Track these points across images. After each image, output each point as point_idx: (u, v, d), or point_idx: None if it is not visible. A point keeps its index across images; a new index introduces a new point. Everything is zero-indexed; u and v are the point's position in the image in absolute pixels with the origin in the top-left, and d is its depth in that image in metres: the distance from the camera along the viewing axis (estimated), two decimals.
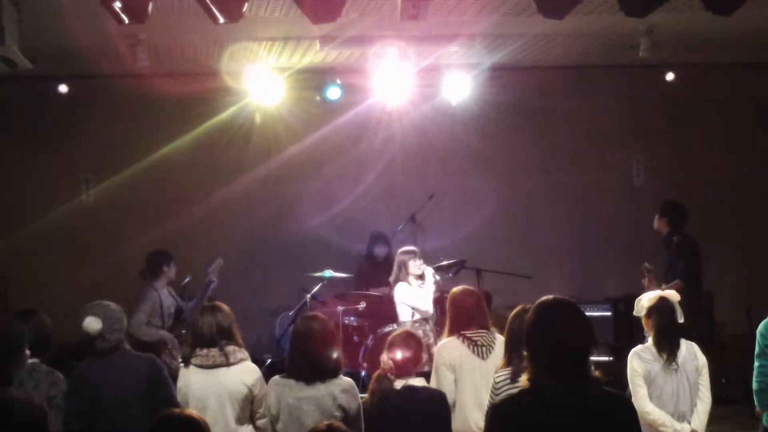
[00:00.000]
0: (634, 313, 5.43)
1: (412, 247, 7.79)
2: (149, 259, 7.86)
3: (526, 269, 9.02)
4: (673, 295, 5.32)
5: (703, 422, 5.19)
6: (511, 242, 10.24)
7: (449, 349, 5.62)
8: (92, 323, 4.79)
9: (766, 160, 10.32)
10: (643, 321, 5.32)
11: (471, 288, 5.89)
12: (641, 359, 5.18)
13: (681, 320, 5.26)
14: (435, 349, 5.89)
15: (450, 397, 5.42)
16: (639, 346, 5.29)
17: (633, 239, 9.60)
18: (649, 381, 5.14)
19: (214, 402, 4.80)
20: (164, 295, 7.73)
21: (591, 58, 9.61)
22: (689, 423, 5.13)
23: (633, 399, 5.17)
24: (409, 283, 7.58)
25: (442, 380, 5.56)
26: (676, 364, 5.14)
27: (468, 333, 5.58)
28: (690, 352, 5.23)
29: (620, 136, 10.46)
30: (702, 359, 5.25)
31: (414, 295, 7.56)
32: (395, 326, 7.65)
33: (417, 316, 7.58)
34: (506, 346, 4.91)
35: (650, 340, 5.26)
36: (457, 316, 5.69)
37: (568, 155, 10.46)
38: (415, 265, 7.59)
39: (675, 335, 5.20)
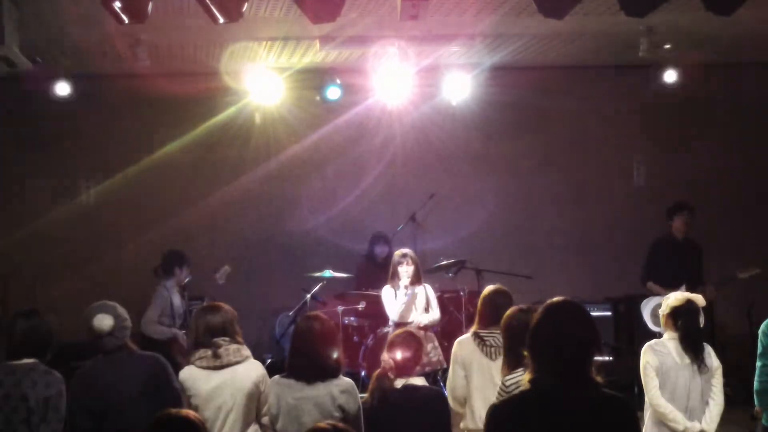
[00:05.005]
0: (659, 311, 5.46)
1: (404, 250, 7.75)
2: (165, 258, 7.84)
3: (526, 269, 9.01)
4: (699, 299, 5.34)
5: (715, 422, 5.20)
6: (511, 242, 10.24)
7: (462, 346, 5.62)
8: (104, 320, 4.80)
9: (765, 160, 10.32)
10: (663, 318, 5.33)
11: (501, 288, 5.76)
12: (655, 352, 5.21)
13: (702, 325, 5.29)
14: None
15: (461, 393, 5.47)
16: (653, 340, 5.33)
17: (633, 239, 9.59)
18: (662, 375, 5.16)
19: (218, 402, 4.79)
20: (174, 295, 7.73)
21: (591, 58, 9.61)
22: (699, 422, 5.14)
23: (645, 391, 5.21)
24: (399, 287, 7.59)
25: (453, 376, 5.60)
26: (705, 366, 5.18)
27: (482, 332, 5.58)
28: (706, 354, 5.26)
29: (620, 136, 10.46)
30: (716, 362, 5.28)
31: (389, 300, 7.61)
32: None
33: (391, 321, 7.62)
34: (505, 348, 4.88)
35: (665, 336, 5.29)
36: (484, 315, 5.68)
37: (568, 155, 10.45)
38: (402, 270, 7.57)
39: (699, 338, 5.25)
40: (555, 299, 3.23)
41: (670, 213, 8.60)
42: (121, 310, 4.94)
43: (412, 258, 7.62)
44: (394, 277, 7.63)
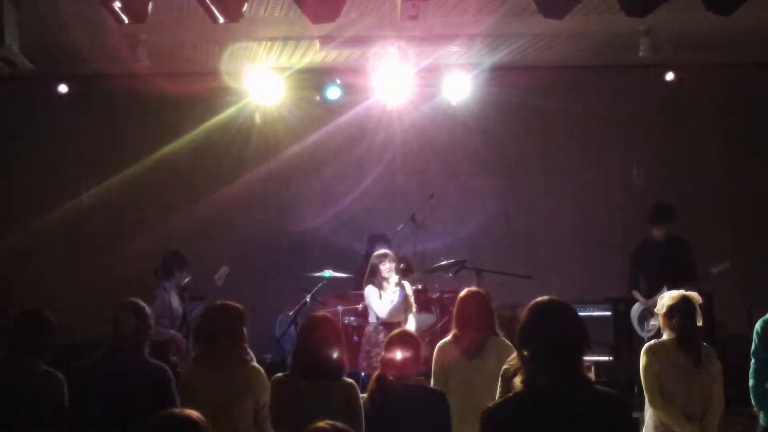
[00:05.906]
0: (655, 310, 5.46)
1: (383, 250, 7.82)
2: (164, 259, 7.82)
3: (526, 269, 9.01)
4: (695, 297, 5.32)
5: (714, 423, 5.19)
6: (511, 242, 10.24)
7: (443, 350, 5.65)
8: (129, 321, 4.82)
9: (765, 160, 10.32)
10: (661, 319, 5.33)
11: (477, 289, 5.83)
12: (654, 354, 5.20)
13: (700, 323, 5.27)
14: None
15: None
16: (653, 341, 5.32)
17: (633, 239, 9.58)
18: (661, 377, 5.15)
19: (217, 403, 4.79)
20: (173, 297, 7.73)
21: (591, 58, 9.61)
22: (699, 422, 5.13)
23: (645, 393, 5.20)
24: (382, 286, 7.63)
25: (435, 382, 5.60)
26: (702, 365, 5.16)
27: (459, 334, 5.60)
28: (706, 355, 5.25)
29: (620, 136, 10.46)
30: (717, 364, 5.27)
31: (375, 299, 7.64)
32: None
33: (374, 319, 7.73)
34: None
35: (665, 337, 5.28)
36: (457, 317, 5.70)
37: (568, 155, 10.45)
38: (384, 269, 7.61)
39: (696, 337, 5.23)
40: (540, 299, 3.20)
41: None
42: (149, 315, 4.98)
43: (392, 257, 7.68)
44: (376, 275, 7.66)
